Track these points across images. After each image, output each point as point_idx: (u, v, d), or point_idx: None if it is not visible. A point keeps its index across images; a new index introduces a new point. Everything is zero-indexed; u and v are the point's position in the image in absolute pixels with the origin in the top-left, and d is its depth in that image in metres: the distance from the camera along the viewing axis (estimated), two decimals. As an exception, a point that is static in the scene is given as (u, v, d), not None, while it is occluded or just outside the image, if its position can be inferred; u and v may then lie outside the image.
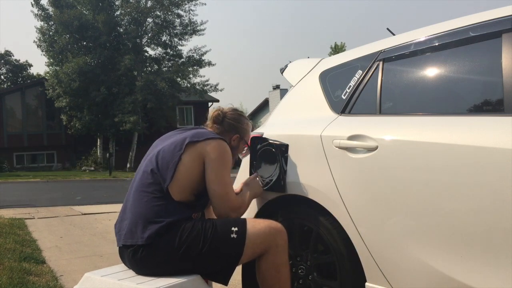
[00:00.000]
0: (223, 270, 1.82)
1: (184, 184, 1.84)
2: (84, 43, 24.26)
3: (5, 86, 35.41)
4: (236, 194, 2.03)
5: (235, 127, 2.12)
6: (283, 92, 26.35)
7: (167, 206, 1.80)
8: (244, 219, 1.87)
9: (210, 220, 1.86)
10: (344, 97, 2.04)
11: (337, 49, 29.11)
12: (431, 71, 1.82)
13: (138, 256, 1.77)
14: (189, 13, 24.81)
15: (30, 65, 38.22)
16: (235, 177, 2.42)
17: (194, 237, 1.76)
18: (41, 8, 23.96)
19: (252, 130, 2.27)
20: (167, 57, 25.66)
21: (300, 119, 2.21)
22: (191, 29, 25.09)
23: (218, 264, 1.80)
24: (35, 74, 37.44)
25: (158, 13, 24.33)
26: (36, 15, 23.99)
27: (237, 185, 2.32)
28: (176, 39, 25.25)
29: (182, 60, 25.13)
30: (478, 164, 1.46)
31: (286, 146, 2.11)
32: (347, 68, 2.12)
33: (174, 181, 1.82)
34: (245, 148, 2.20)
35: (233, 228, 1.80)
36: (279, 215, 2.09)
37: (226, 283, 1.84)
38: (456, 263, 1.50)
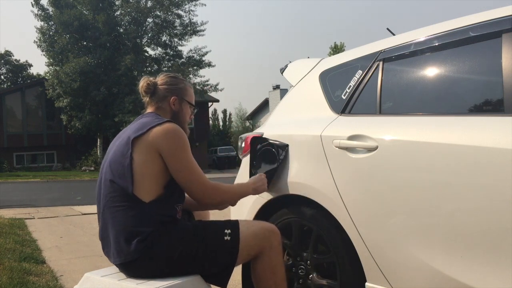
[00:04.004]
0: (219, 273, 1.77)
1: (147, 182, 1.69)
2: (84, 43, 24.29)
3: (5, 86, 35.46)
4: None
5: (170, 90, 1.90)
6: (283, 92, 26.40)
7: (143, 212, 1.68)
8: (237, 221, 1.84)
9: (201, 223, 1.81)
10: (344, 97, 2.04)
11: (336, 49, 29.13)
12: (431, 71, 1.82)
13: (131, 270, 1.72)
14: (189, 13, 24.88)
15: (30, 65, 38.39)
16: (235, 177, 2.42)
17: (186, 243, 1.71)
18: (41, 8, 24.00)
19: (253, 130, 2.25)
20: (167, 57, 25.70)
21: (300, 119, 2.21)
22: (191, 29, 25.15)
23: (213, 267, 1.76)
24: (35, 74, 37.51)
25: (158, 13, 24.38)
26: (36, 15, 24.05)
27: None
28: (176, 39, 25.33)
29: (182, 60, 25.17)
30: (478, 164, 1.46)
31: (286, 146, 2.11)
32: (347, 68, 2.12)
33: (136, 184, 1.68)
34: (192, 110, 1.99)
35: (226, 231, 1.76)
36: (279, 215, 2.09)
37: (224, 286, 1.80)
38: (456, 263, 1.49)
